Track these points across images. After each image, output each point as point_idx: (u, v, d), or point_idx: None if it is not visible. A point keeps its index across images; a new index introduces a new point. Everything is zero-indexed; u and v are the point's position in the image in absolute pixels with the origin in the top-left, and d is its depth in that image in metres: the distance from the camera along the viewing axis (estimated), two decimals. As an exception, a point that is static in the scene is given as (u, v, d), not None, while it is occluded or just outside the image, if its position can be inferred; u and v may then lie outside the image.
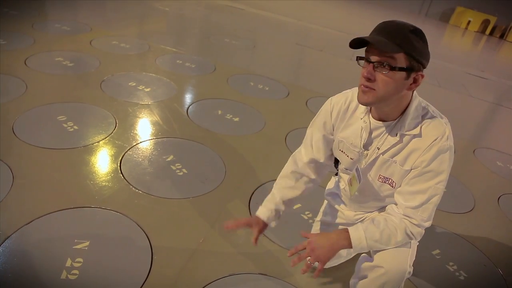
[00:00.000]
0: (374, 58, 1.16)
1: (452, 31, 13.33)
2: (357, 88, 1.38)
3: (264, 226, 1.53)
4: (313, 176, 1.56)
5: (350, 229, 1.33)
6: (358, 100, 1.25)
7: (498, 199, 2.83)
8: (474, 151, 3.56)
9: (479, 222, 2.52)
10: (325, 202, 1.84)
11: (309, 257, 1.34)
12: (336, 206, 1.73)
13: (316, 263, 1.36)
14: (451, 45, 10.81)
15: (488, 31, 13.82)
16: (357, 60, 1.24)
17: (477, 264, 2.15)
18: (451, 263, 2.09)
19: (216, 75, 4.16)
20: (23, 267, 1.60)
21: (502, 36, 13.68)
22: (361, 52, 1.24)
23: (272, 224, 1.55)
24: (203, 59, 4.62)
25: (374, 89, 1.18)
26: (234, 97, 3.63)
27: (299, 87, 4.31)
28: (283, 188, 1.55)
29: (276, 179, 2.45)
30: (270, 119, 3.31)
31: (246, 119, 3.27)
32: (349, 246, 1.32)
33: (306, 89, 4.25)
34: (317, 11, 10.93)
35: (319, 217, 1.85)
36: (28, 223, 1.81)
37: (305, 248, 1.35)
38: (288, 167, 1.58)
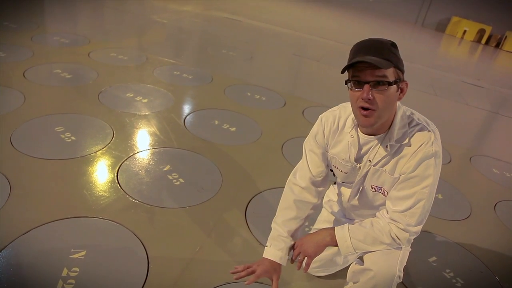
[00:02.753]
0: (369, 78, 1.18)
1: (448, 41, 13.46)
2: (344, 104, 1.43)
3: (279, 268, 1.46)
4: (313, 201, 1.52)
5: (337, 228, 1.38)
6: (360, 124, 1.29)
7: (495, 206, 2.84)
8: (470, 159, 3.58)
9: (476, 229, 2.52)
10: (323, 210, 1.85)
11: (299, 253, 1.40)
12: (334, 214, 1.74)
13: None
14: (448, 54, 10.90)
15: (484, 41, 13.97)
16: (346, 83, 1.24)
17: (473, 271, 2.15)
18: (447, 270, 2.09)
19: (213, 86, 4.19)
20: (19, 276, 1.60)
21: (497, 45, 13.82)
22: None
23: (285, 262, 1.47)
24: (200, 70, 4.66)
25: (374, 110, 1.20)
26: (231, 107, 3.66)
27: (295, 97, 4.34)
28: (287, 220, 1.50)
29: (272, 188, 2.47)
30: (266, 129, 3.34)
31: (243, 129, 3.29)
32: (334, 243, 1.36)
33: (302, 99, 4.28)
34: (314, 22, 11.04)
35: (316, 225, 1.87)
36: (25, 233, 1.81)
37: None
38: (287, 197, 1.53)
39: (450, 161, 3.44)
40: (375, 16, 14.88)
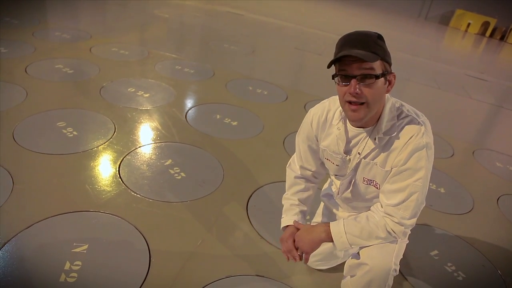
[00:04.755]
0: (356, 72, 1.17)
1: (452, 34, 13.36)
2: (334, 97, 1.42)
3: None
4: (314, 179, 1.61)
5: (332, 223, 1.37)
6: (349, 119, 1.29)
7: (497, 200, 2.83)
8: (473, 153, 3.56)
9: (478, 223, 2.52)
10: (322, 203, 1.85)
11: (297, 248, 1.42)
12: (331, 207, 1.74)
13: None
14: (451, 47, 10.82)
15: (488, 33, 13.86)
16: (333, 78, 1.23)
17: (475, 264, 2.14)
18: (449, 264, 2.09)
19: (214, 80, 4.19)
20: (22, 270, 1.62)
21: (502, 38, 13.71)
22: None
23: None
24: (202, 64, 4.65)
25: (363, 104, 1.20)
26: (232, 102, 3.66)
27: (297, 91, 4.33)
28: (296, 192, 1.58)
29: (273, 182, 2.46)
30: (268, 123, 3.33)
31: (245, 123, 3.29)
32: (329, 239, 1.36)
33: (304, 93, 4.27)
34: (316, 15, 10.98)
35: (315, 218, 1.87)
36: (28, 228, 1.82)
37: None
38: (290, 176, 1.62)
39: (452, 154, 3.42)
40: (378, 9, 14.78)
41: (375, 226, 1.32)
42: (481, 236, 2.38)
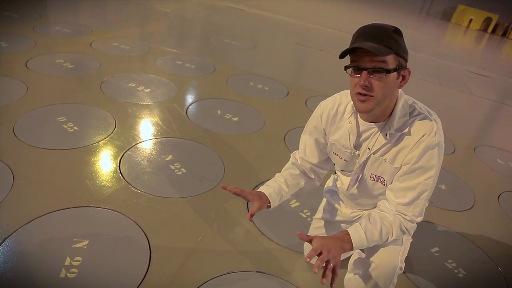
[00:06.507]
0: (367, 64, 1.16)
1: (454, 30, 13.30)
2: (345, 91, 1.41)
3: (265, 202, 1.41)
4: (311, 176, 1.57)
5: (351, 232, 1.29)
6: (357, 110, 1.27)
7: (498, 197, 2.83)
8: (474, 149, 3.55)
9: (479, 220, 2.51)
10: (324, 199, 1.85)
11: (328, 260, 1.20)
12: (334, 204, 1.74)
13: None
14: (453, 43, 10.78)
15: (490, 29, 13.79)
16: (345, 69, 1.23)
17: (476, 261, 2.14)
18: (450, 261, 2.09)
19: (215, 76, 4.17)
20: (23, 265, 1.62)
21: (504, 34, 13.65)
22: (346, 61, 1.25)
23: (273, 204, 1.44)
24: (203, 59, 4.63)
25: (372, 96, 1.19)
26: (233, 97, 3.64)
27: (298, 87, 4.32)
28: (288, 174, 1.54)
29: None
30: (269, 119, 3.32)
31: (246, 118, 3.28)
32: (352, 248, 1.29)
33: (305, 89, 4.26)
34: (317, 11, 10.93)
35: (317, 214, 1.87)
36: (28, 223, 1.82)
37: (321, 253, 1.21)
38: (289, 162, 1.61)
39: (454, 151, 3.42)
40: (379, 5, 14.70)
41: (390, 226, 1.31)
42: (482, 233, 2.38)
